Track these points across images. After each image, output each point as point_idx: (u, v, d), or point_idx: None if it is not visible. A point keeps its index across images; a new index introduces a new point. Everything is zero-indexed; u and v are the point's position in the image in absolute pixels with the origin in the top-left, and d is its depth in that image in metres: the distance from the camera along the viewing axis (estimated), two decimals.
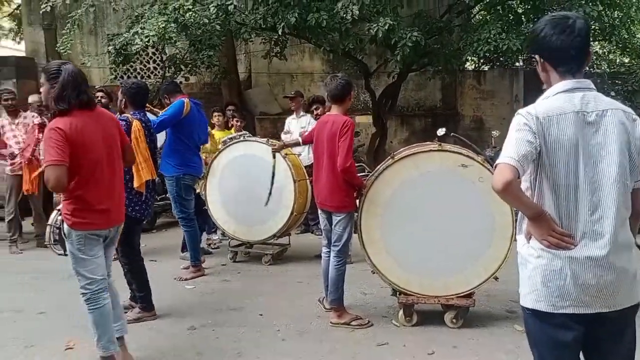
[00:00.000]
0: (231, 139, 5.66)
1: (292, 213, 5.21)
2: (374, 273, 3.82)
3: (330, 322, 3.76)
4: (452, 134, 4.55)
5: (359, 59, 7.82)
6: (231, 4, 6.28)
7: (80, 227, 2.88)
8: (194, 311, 4.10)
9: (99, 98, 5.72)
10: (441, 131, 7.06)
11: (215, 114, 6.67)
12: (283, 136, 6.77)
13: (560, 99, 1.79)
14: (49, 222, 5.64)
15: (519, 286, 1.90)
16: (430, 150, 3.70)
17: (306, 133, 5.31)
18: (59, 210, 3.32)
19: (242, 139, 5.63)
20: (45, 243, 5.82)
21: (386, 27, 5.91)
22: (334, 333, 3.65)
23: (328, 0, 6.43)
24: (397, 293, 3.78)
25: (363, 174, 6.42)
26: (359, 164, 6.44)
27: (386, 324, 3.79)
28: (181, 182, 4.87)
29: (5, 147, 6.06)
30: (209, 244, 6.09)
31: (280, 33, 6.59)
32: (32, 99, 6.51)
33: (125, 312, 3.89)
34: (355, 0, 5.83)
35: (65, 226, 2.92)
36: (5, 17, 15.92)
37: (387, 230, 3.71)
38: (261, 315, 4.01)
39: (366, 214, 3.73)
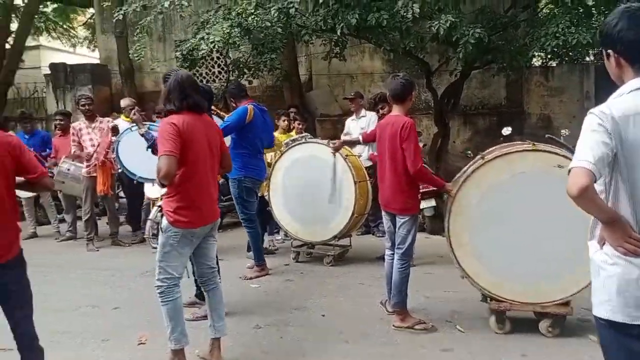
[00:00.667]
0: (293, 141, 5.74)
1: (352, 214, 5.22)
2: (463, 277, 3.69)
3: (393, 326, 3.73)
4: (546, 135, 4.41)
5: (420, 57, 7.71)
6: (292, 7, 6.38)
7: (179, 225, 3.05)
8: (259, 310, 4.20)
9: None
10: (507, 130, 6.86)
11: (283, 117, 6.75)
12: (343, 137, 6.78)
13: (637, 97, 1.69)
14: (150, 217, 5.84)
15: (592, 294, 1.81)
16: (524, 150, 3.51)
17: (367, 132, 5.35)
18: (159, 206, 3.54)
19: (303, 140, 5.70)
20: (145, 236, 6.11)
21: (448, 25, 5.79)
22: (397, 336, 3.62)
23: (388, 0, 6.40)
24: (488, 299, 3.65)
25: None
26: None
27: (450, 329, 3.72)
28: (242, 184, 4.98)
29: (82, 150, 6.43)
30: (271, 245, 6.20)
31: (339, 34, 6.62)
32: (123, 103, 6.82)
33: (194, 307, 4.06)
34: None
35: (165, 222, 3.09)
36: (80, 26, 16.87)
37: (476, 233, 3.58)
38: (324, 316, 4.05)
39: (454, 217, 3.61)
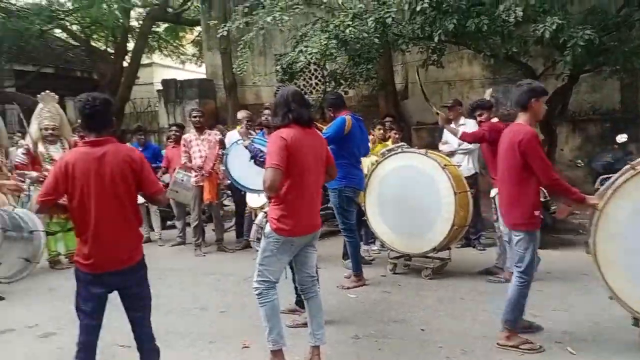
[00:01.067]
0: (389, 150, 5.73)
1: (452, 226, 5.09)
2: (611, 299, 3.43)
3: (497, 344, 3.58)
4: None
5: (523, 62, 7.38)
6: (389, 16, 6.38)
7: (280, 233, 3.20)
8: (357, 320, 4.23)
9: (266, 116, 6.11)
10: (622, 138, 6.36)
11: (379, 126, 6.77)
12: (441, 146, 6.66)
13: None
14: (256, 222, 6.08)
15: None
16: None
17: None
18: (265, 212, 3.76)
19: (400, 150, 5.66)
20: (250, 240, 6.39)
21: (554, 27, 5.50)
22: (501, 355, 3.48)
23: (488, 4, 6.21)
24: None
25: None
26: None
27: (560, 351, 3.50)
28: (343, 194, 5.04)
29: (191, 160, 6.85)
30: (367, 255, 6.22)
31: (437, 41, 6.53)
32: (240, 115, 7.04)
33: (295, 314, 4.17)
34: (519, 1, 5.53)
35: (268, 227, 3.26)
36: (188, 43, 18.05)
37: (629, 250, 3.31)
38: (423, 330, 3.99)
39: (601, 232, 3.37)
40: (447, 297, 4.72)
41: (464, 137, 5.49)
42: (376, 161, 5.68)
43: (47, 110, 6.19)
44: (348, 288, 5.02)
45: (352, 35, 6.75)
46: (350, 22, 6.60)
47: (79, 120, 3.25)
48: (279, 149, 3.10)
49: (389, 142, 6.64)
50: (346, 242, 5.19)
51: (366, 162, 5.93)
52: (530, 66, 7.49)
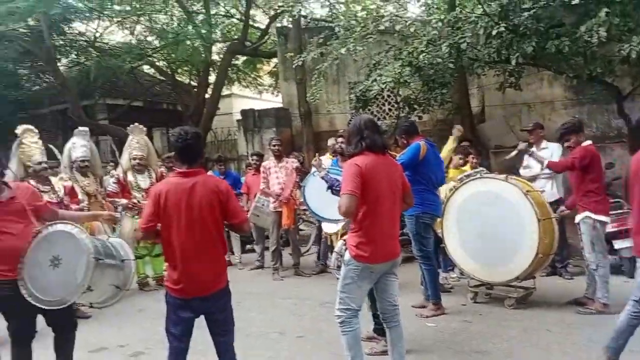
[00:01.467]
0: (467, 176, 5.62)
1: (536, 254, 4.88)
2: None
3: None
4: None
5: (608, 82, 7.05)
6: (464, 41, 6.36)
7: (360, 259, 3.23)
8: (437, 350, 4.14)
9: (339, 143, 6.21)
10: None
11: (459, 155, 6.65)
12: (522, 171, 6.44)
13: None
14: (335, 249, 6.12)
15: None
16: None
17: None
18: (344, 240, 3.83)
19: (478, 175, 5.55)
20: (330, 267, 6.44)
21: None
22: None
23: (569, 25, 6.03)
24: None
25: (620, 211, 5.71)
26: (615, 200, 5.75)
27: None
28: (420, 220, 5.00)
29: (269, 187, 7.08)
30: (446, 282, 6.08)
31: (514, 64, 6.40)
32: (330, 142, 7.19)
33: (372, 341, 4.16)
34: (602, 22, 5.33)
35: (347, 255, 3.31)
36: (265, 74, 18.75)
37: None
38: None
39: None
40: (532, 327, 4.51)
41: (553, 167, 5.31)
42: (454, 187, 5.59)
43: (136, 141, 6.65)
44: (427, 317, 4.93)
45: (426, 62, 6.78)
46: (424, 49, 6.64)
47: (169, 151, 3.48)
48: (353, 175, 3.16)
49: (467, 167, 6.51)
50: (423, 269, 5.11)
51: (443, 188, 5.85)
52: (617, 86, 7.15)
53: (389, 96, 11.02)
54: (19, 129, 5.30)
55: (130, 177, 6.54)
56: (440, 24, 6.80)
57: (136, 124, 6.89)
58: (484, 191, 5.28)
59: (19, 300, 3.13)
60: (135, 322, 5.35)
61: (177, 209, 2.91)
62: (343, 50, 7.45)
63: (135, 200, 6.39)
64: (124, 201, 6.39)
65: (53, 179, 5.56)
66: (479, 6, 6.51)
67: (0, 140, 15.31)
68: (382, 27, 7.43)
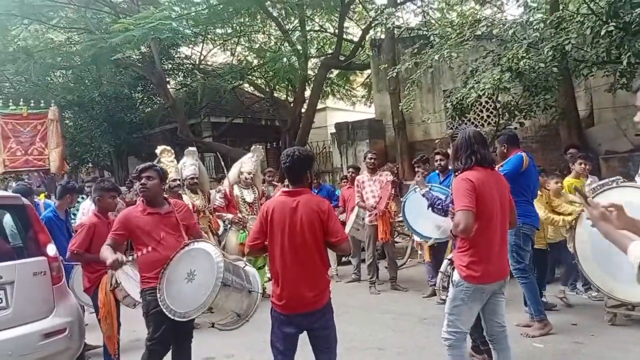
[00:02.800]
0: (601, 185, 5.20)
1: None
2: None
3: None
4: None
5: None
6: (568, 43, 6.01)
7: (471, 280, 3.14)
8: None
9: (438, 161, 6.08)
10: None
11: (580, 160, 6.18)
12: (638, 178, 5.90)
13: None
14: (441, 269, 6.00)
15: None
16: None
17: None
18: (450, 259, 3.76)
19: (614, 185, 5.09)
20: (435, 288, 6.30)
21: None
22: None
23: None
24: None
25: None
26: None
27: None
28: (521, 231, 4.77)
29: (363, 200, 7.10)
30: (563, 297, 5.71)
31: (625, 64, 5.93)
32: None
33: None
34: None
35: (456, 275, 3.23)
36: (359, 86, 18.91)
37: None
38: None
39: None
40: None
41: None
42: (584, 197, 5.16)
43: (253, 160, 6.96)
44: (533, 336, 4.67)
45: (527, 66, 6.48)
46: (524, 54, 6.35)
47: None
48: (467, 191, 3.07)
49: (581, 179, 6.02)
50: (521, 285, 4.86)
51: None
52: None
53: (487, 102, 10.62)
54: (158, 149, 6.11)
55: (236, 191, 6.86)
56: (542, 25, 6.48)
57: (258, 146, 7.27)
58: (623, 202, 4.83)
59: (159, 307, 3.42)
60: (241, 331, 5.53)
61: (280, 227, 3.03)
62: (436, 57, 7.33)
63: (240, 215, 6.69)
64: (229, 216, 6.71)
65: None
66: (584, 5, 6.12)
67: (118, 157, 16.92)
68: (478, 32, 7.21)
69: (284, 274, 3.03)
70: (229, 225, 6.83)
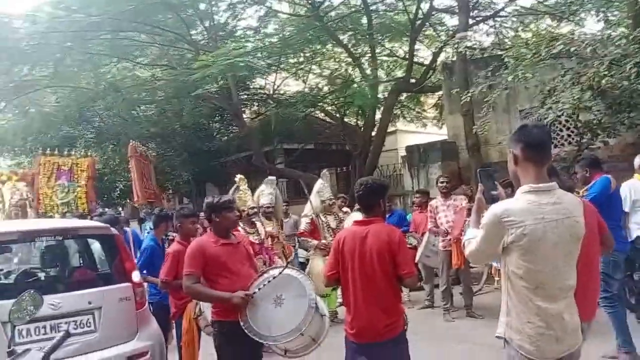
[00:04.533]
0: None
1: None
2: None
3: None
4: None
5: None
6: None
7: None
8: None
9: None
10: None
11: None
12: None
13: None
14: None
15: None
16: None
17: None
18: None
19: None
20: None
21: None
22: None
23: None
24: None
25: None
26: None
27: None
28: (609, 258, 4.51)
29: (437, 226, 6.96)
30: None
31: None
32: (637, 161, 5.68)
33: None
34: None
35: None
36: (430, 107, 18.69)
37: None
38: None
39: None
40: None
41: None
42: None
43: (327, 186, 7.18)
44: None
45: (610, 84, 6.17)
46: (606, 72, 6.05)
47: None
48: None
49: None
50: (608, 314, 4.56)
51: None
52: None
53: (567, 121, 10.14)
54: (237, 178, 6.39)
55: (322, 217, 7.01)
56: (624, 40, 6.16)
57: (325, 170, 7.48)
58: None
59: (239, 339, 3.47)
60: (309, 357, 5.59)
61: (351, 256, 3.06)
62: (510, 78, 7.14)
63: (325, 241, 6.81)
64: (314, 242, 6.89)
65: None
66: None
67: (196, 184, 17.71)
68: (555, 51, 6.96)
69: (356, 303, 3.05)
70: (311, 251, 7.01)
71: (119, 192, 19.08)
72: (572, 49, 6.73)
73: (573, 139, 10.01)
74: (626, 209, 5.27)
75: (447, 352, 5.47)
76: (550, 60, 7.29)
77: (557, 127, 10.45)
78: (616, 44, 6.19)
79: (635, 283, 6.29)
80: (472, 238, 2.34)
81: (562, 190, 2.33)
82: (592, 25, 21.61)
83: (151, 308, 4.70)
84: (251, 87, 16.92)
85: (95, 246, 4.62)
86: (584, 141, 8.56)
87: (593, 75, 6.17)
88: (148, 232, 6.99)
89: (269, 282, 3.48)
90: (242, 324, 3.42)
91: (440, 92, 14.90)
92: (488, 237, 2.24)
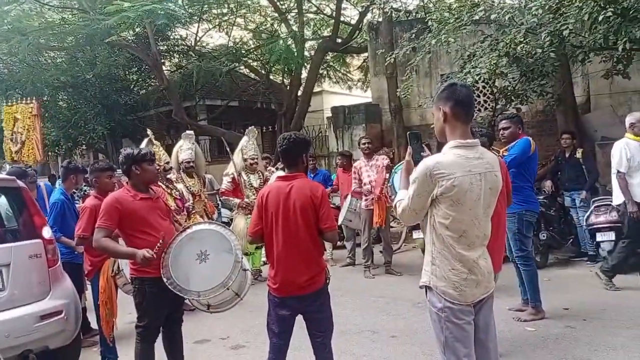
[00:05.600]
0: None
1: None
2: None
3: None
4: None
5: None
6: (566, 28, 5.98)
7: None
8: (536, 357, 3.97)
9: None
10: None
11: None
12: None
13: None
14: None
15: None
16: None
17: None
18: None
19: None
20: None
21: None
22: None
23: None
24: None
25: None
26: None
27: None
28: (524, 218, 4.79)
29: (361, 186, 7.12)
30: None
31: (621, 49, 5.91)
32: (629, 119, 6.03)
33: None
34: None
35: None
36: (355, 70, 18.79)
37: None
38: None
39: None
40: None
41: None
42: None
43: (251, 143, 6.98)
44: (525, 320, 4.73)
45: (525, 51, 6.46)
46: (522, 39, 6.31)
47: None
48: None
49: None
50: (522, 271, 4.90)
51: None
52: None
53: (484, 87, 10.60)
54: (149, 131, 6.03)
55: (243, 176, 6.88)
56: (540, 10, 6.44)
57: (252, 127, 7.27)
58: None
59: (160, 295, 3.43)
60: (235, 315, 5.56)
61: (275, 210, 3.06)
62: (433, 42, 7.29)
63: (247, 200, 6.73)
64: (236, 200, 6.79)
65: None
66: None
67: (112, 139, 16.82)
68: (476, 17, 7.16)
69: (279, 258, 3.06)
70: (234, 210, 6.89)
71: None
72: (492, 16, 6.94)
73: (489, 104, 10.49)
74: (621, 168, 5.50)
75: (366, 305, 5.69)
76: (472, 26, 7.50)
77: (474, 92, 10.89)
78: (533, 13, 6.44)
79: (540, 241, 6.83)
80: (402, 199, 2.40)
81: (483, 147, 2.48)
82: None
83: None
84: (171, 37, 16.05)
85: (1, 200, 4.28)
86: (498, 107, 8.99)
87: (510, 42, 6.42)
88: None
89: (174, 242, 3.47)
90: (164, 279, 3.36)
91: (366, 54, 14.98)
92: (419, 190, 2.32)
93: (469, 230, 2.33)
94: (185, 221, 5.30)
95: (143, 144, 5.69)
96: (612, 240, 6.07)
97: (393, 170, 5.98)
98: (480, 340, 2.41)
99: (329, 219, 3.09)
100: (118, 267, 4.11)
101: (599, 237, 6.24)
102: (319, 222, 3.05)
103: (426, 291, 2.43)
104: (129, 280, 3.79)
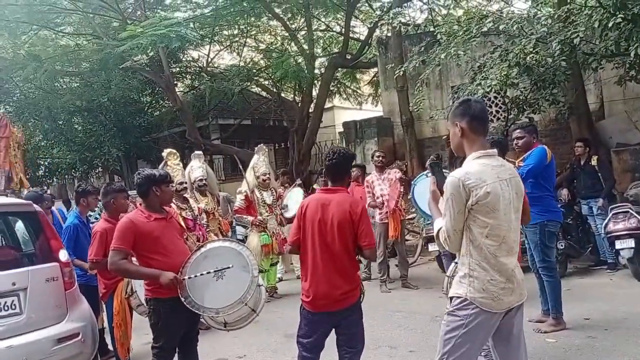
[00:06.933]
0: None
1: None
2: None
3: None
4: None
5: None
6: (577, 36, 5.96)
7: None
8: None
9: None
10: None
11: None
12: None
13: None
14: (447, 273, 5.87)
15: None
16: None
17: None
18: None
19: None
20: (443, 291, 6.20)
21: None
22: None
23: None
24: None
25: None
26: None
27: None
28: (545, 229, 4.72)
29: (374, 199, 7.09)
30: None
31: (633, 55, 5.87)
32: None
33: None
34: None
35: None
36: (365, 85, 18.86)
37: None
38: None
39: None
40: None
41: None
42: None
43: (262, 161, 7.03)
44: (546, 332, 4.64)
45: (535, 61, 6.44)
46: (532, 49, 6.31)
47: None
48: None
49: None
50: (545, 282, 4.79)
51: None
52: None
53: (495, 97, 10.57)
54: (164, 153, 6.08)
55: (257, 193, 6.92)
56: (550, 20, 6.43)
57: (261, 145, 7.33)
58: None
59: (176, 316, 3.42)
60: (251, 333, 5.56)
61: (311, 223, 3.06)
62: (443, 56, 7.31)
63: (260, 217, 6.75)
64: (250, 218, 6.81)
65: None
66: None
67: (127, 161, 17.03)
68: (485, 29, 7.17)
69: (313, 270, 3.05)
70: (248, 228, 6.92)
71: (43, 169, 18.06)
72: (501, 27, 6.96)
73: (501, 114, 10.44)
74: None
75: (384, 319, 5.62)
76: (481, 38, 7.52)
77: (486, 103, 10.85)
78: (542, 22, 6.45)
79: (559, 251, 6.72)
80: (441, 226, 2.40)
81: (499, 157, 2.53)
82: (520, 4, 22.45)
83: None
84: (184, 59, 16.32)
85: (18, 225, 4.34)
86: (511, 117, 8.95)
87: (519, 52, 6.42)
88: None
89: (189, 261, 3.45)
90: (182, 299, 3.34)
91: (376, 69, 15.04)
92: (457, 207, 2.32)
93: (507, 236, 2.37)
94: (199, 241, 5.32)
95: (160, 166, 5.77)
96: (631, 248, 5.96)
97: (412, 183, 5.96)
98: (513, 347, 2.46)
99: (369, 236, 3.06)
100: (132, 289, 4.12)
101: (618, 244, 6.12)
102: (358, 239, 3.03)
103: (450, 299, 2.42)
104: (143, 302, 3.79)
